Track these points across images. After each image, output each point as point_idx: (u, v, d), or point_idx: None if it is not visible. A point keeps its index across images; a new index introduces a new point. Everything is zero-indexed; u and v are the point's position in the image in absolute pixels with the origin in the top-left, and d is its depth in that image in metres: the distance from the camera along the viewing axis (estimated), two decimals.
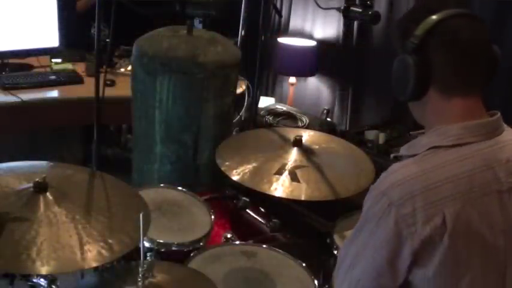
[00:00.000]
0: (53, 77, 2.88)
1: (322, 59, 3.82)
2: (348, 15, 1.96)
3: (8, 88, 2.67)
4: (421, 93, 1.16)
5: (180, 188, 1.96)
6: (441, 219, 1.08)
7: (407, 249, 1.09)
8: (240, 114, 3.05)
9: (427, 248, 1.09)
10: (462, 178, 1.11)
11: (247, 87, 3.03)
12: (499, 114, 1.19)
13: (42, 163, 1.70)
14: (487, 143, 1.15)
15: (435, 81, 1.15)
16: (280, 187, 1.79)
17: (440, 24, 1.13)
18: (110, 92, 2.17)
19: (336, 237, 1.75)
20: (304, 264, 1.62)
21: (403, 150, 1.23)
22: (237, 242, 1.76)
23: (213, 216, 1.81)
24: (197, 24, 3.28)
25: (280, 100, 4.04)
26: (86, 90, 2.70)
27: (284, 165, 1.87)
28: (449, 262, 1.09)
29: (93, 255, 1.31)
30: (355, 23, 3.65)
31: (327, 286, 1.64)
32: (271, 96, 4.11)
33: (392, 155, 1.27)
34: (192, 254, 1.63)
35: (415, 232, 1.08)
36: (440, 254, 1.09)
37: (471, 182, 1.11)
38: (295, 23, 4.04)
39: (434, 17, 1.13)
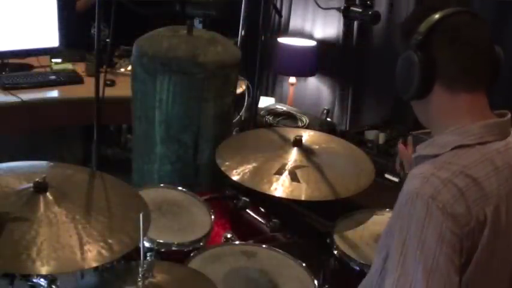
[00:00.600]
0: (53, 77, 2.88)
1: (322, 59, 3.82)
2: (348, 15, 1.96)
3: (8, 88, 2.67)
4: (427, 90, 1.16)
5: (180, 188, 1.96)
6: (483, 216, 1.09)
7: (465, 247, 1.08)
8: (240, 114, 3.05)
9: (473, 244, 1.09)
10: (493, 176, 1.12)
11: (247, 87, 3.03)
12: (510, 114, 1.20)
13: (42, 163, 1.71)
14: (502, 142, 1.17)
15: (440, 77, 1.15)
16: (280, 187, 1.79)
17: (442, 21, 1.14)
18: (110, 92, 2.17)
19: (336, 237, 1.75)
20: (304, 264, 1.62)
21: (421, 151, 1.21)
22: (237, 242, 1.76)
23: (213, 216, 1.81)
24: (197, 24, 3.28)
25: (280, 100, 4.04)
26: (86, 90, 2.70)
27: (284, 165, 1.87)
28: (487, 259, 1.10)
29: (93, 255, 1.31)
30: (355, 23, 3.65)
31: (327, 286, 1.64)
32: (271, 96, 4.11)
33: (413, 155, 1.25)
34: (192, 254, 1.63)
35: (470, 230, 1.08)
36: (481, 250, 1.09)
37: (498, 180, 1.13)
38: (295, 23, 4.04)
39: (436, 14, 1.15)
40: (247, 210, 2.04)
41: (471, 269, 1.09)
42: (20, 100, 2.59)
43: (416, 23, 1.16)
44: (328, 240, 1.76)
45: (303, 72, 3.90)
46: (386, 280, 1.11)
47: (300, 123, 3.18)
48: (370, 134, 3.09)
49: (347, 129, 3.74)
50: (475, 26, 1.17)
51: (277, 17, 3.80)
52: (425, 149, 1.20)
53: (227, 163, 1.93)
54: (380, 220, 1.82)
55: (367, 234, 1.78)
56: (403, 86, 1.20)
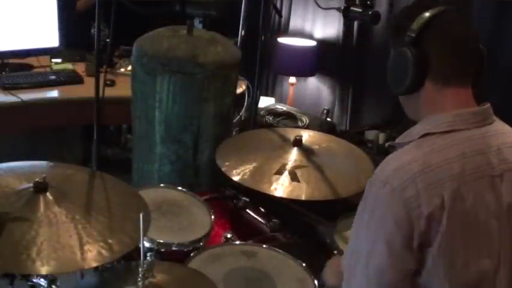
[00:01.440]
0: (53, 77, 2.88)
1: (322, 59, 3.82)
2: (348, 15, 1.96)
3: (8, 88, 2.67)
4: (419, 85, 1.20)
5: (180, 188, 1.96)
6: (440, 200, 1.12)
7: (417, 230, 1.12)
8: (240, 114, 3.05)
9: (431, 227, 1.12)
10: (456, 162, 1.15)
11: (247, 87, 3.03)
12: (488, 104, 1.23)
13: (42, 163, 1.70)
14: (479, 130, 1.20)
15: (431, 73, 1.19)
16: (280, 187, 1.79)
17: (434, 19, 1.19)
18: (110, 92, 2.17)
19: (336, 237, 1.75)
20: (304, 264, 1.62)
21: (398, 140, 1.27)
22: (237, 242, 1.76)
23: (213, 216, 1.81)
24: (197, 24, 3.28)
25: (280, 100, 4.04)
26: (86, 90, 2.70)
27: (284, 165, 1.87)
28: (448, 242, 1.12)
29: (93, 255, 1.31)
30: (355, 23, 3.65)
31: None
32: (271, 96, 4.11)
33: (387, 144, 1.30)
34: (192, 254, 1.63)
35: (421, 213, 1.11)
36: (441, 233, 1.12)
37: (464, 165, 1.15)
38: (295, 23, 4.04)
39: (428, 12, 1.19)
40: (247, 210, 2.04)
41: (434, 251, 1.12)
42: (20, 100, 2.59)
43: (408, 21, 1.20)
44: (328, 240, 1.76)
45: (303, 72, 3.90)
46: (345, 251, 1.22)
47: (300, 123, 3.18)
48: (370, 134, 3.09)
49: (347, 129, 3.75)
50: (464, 23, 1.22)
51: (277, 17, 3.80)
52: (403, 138, 1.26)
53: (227, 163, 1.93)
54: None
55: None
56: (396, 81, 1.24)
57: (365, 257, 1.17)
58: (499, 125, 1.25)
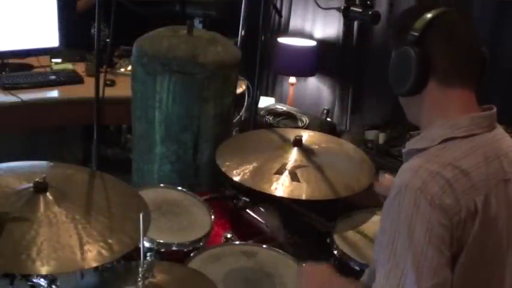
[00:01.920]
0: (53, 77, 2.88)
1: (322, 59, 3.82)
2: (348, 15, 1.96)
3: (8, 88, 2.67)
4: (422, 85, 1.19)
5: (180, 188, 1.96)
6: (473, 205, 1.11)
7: (455, 237, 1.10)
8: (240, 114, 3.05)
9: (464, 234, 1.11)
10: (481, 167, 1.15)
11: (247, 87, 3.03)
12: (495, 108, 1.23)
13: (42, 163, 1.70)
14: (490, 134, 1.20)
15: (435, 73, 1.18)
16: (280, 187, 1.79)
17: (437, 19, 1.18)
18: (110, 92, 2.17)
19: (336, 237, 1.75)
20: (304, 264, 1.62)
21: (412, 145, 1.23)
22: (237, 242, 1.76)
23: (213, 216, 1.81)
24: (197, 24, 3.28)
25: (280, 100, 4.04)
26: (86, 90, 2.70)
27: (284, 165, 1.87)
28: (475, 245, 1.12)
29: (93, 255, 1.31)
30: (355, 23, 3.65)
31: None
32: (271, 96, 4.11)
33: (404, 150, 1.26)
34: (192, 254, 1.63)
35: (460, 220, 1.10)
36: (470, 237, 1.11)
37: (487, 170, 1.15)
38: (295, 23, 4.04)
39: (431, 12, 1.19)
40: (247, 210, 2.04)
41: (463, 260, 1.11)
42: (20, 100, 2.59)
43: (410, 20, 1.20)
44: (328, 240, 1.76)
45: (303, 72, 3.90)
46: (377, 274, 1.12)
47: (300, 123, 3.18)
48: (370, 134, 3.09)
49: (347, 129, 3.75)
50: (467, 25, 1.22)
51: (277, 17, 3.80)
52: (416, 143, 1.23)
53: (227, 163, 1.93)
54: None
55: (367, 234, 1.78)
56: (399, 81, 1.22)
57: (404, 268, 1.08)
58: (500, 129, 1.24)
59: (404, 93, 1.22)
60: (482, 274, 1.15)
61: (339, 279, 1.39)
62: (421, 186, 1.10)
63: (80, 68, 3.03)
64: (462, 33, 1.19)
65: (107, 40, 2.26)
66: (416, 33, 1.17)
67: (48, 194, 1.43)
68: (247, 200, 2.04)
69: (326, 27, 3.86)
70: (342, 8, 1.96)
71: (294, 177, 1.82)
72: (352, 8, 1.95)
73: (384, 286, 1.09)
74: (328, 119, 3.61)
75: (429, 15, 1.18)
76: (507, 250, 1.17)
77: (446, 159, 1.13)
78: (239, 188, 1.98)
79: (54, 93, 2.79)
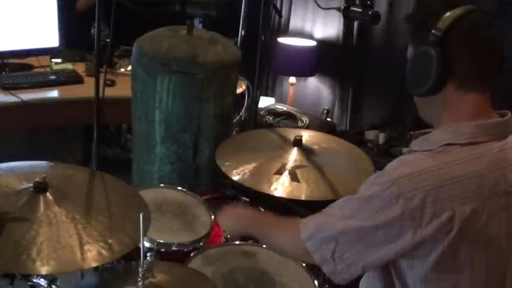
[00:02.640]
0: (53, 77, 2.88)
1: (322, 59, 3.82)
2: (348, 15, 1.96)
3: (8, 88, 2.67)
4: (440, 87, 1.15)
5: (180, 188, 1.96)
6: (449, 216, 1.09)
7: (408, 239, 1.11)
8: (240, 114, 3.05)
9: (428, 242, 1.10)
10: (474, 177, 1.12)
11: (247, 87, 3.03)
12: (510, 114, 1.20)
13: (42, 163, 1.70)
14: (498, 143, 1.16)
15: (454, 75, 1.15)
16: (280, 187, 1.79)
17: (462, 19, 1.13)
18: (110, 92, 2.17)
19: None
20: (304, 264, 1.62)
21: (416, 145, 1.22)
22: (237, 242, 1.76)
23: (213, 216, 1.81)
24: (197, 24, 3.28)
25: (280, 100, 4.04)
26: (86, 90, 2.70)
27: (284, 165, 1.87)
28: (449, 257, 1.11)
29: (93, 255, 1.31)
30: (355, 23, 3.65)
31: (326, 286, 1.64)
32: (271, 96, 4.11)
33: (404, 150, 1.26)
34: (192, 254, 1.63)
35: (419, 225, 1.10)
36: (442, 248, 1.10)
37: (482, 181, 1.12)
38: (295, 23, 4.04)
39: (456, 11, 1.13)
40: None
41: (435, 260, 1.11)
42: (20, 100, 2.59)
43: (430, 18, 1.15)
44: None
45: (303, 72, 3.90)
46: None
47: (300, 123, 3.18)
48: (370, 134, 3.09)
49: (347, 129, 3.75)
50: (490, 26, 1.16)
51: (277, 17, 3.80)
52: (419, 144, 1.21)
53: (227, 163, 1.93)
54: None
55: None
56: (417, 81, 1.18)
57: (349, 212, 1.20)
58: None
59: (421, 93, 1.19)
60: (459, 280, 1.14)
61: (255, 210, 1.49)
62: (396, 179, 1.12)
63: (80, 68, 3.03)
64: (487, 36, 1.15)
65: (107, 40, 2.26)
66: (439, 33, 1.13)
67: (48, 194, 1.43)
68: (247, 200, 2.03)
69: (326, 27, 3.86)
70: (342, 8, 1.97)
71: (293, 177, 1.82)
72: (352, 8, 1.95)
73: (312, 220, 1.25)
74: (328, 119, 3.61)
75: (455, 14, 1.13)
76: (506, 268, 1.15)
77: (436, 163, 1.12)
78: (239, 188, 1.97)
79: (54, 93, 2.79)
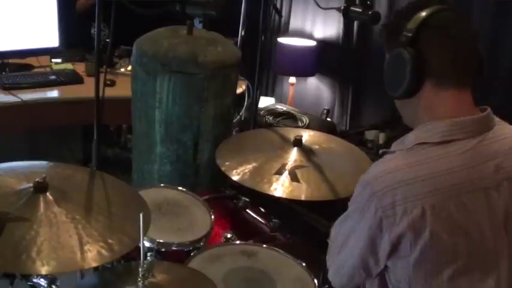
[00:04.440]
0: (53, 77, 2.88)
1: (322, 59, 3.82)
2: (347, 15, 1.96)
3: (8, 88, 2.68)
4: (417, 88, 1.17)
5: (180, 188, 1.95)
6: (420, 213, 1.10)
7: (386, 239, 1.13)
8: (240, 114, 3.05)
9: (406, 239, 1.11)
10: (444, 175, 1.12)
11: (247, 87, 3.03)
12: (489, 109, 1.20)
13: (42, 163, 1.70)
14: (476, 139, 1.16)
15: (430, 74, 1.16)
16: (280, 187, 1.79)
17: (431, 18, 1.15)
18: (110, 92, 2.17)
19: None
20: (304, 264, 1.62)
21: (394, 146, 1.24)
22: (237, 242, 1.76)
23: (213, 216, 1.81)
24: (197, 24, 3.28)
25: (280, 100, 4.04)
26: (86, 90, 2.70)
27: (284, 165, 1.87)
28: (432, 253, 1.11)
29: (93, 255, 1.31)
30: (355, 23, 3.65)
31: (326, 286, 1.64)
32: (271, 96, 4.11)
33: (380, 151, 1.28)
34: (192, 254, 1.63)
35: (393, 223, 1.11)
36: (422, 245, 1.10)
37: (452, 179, 1.12)
38: (295, 23, 4.04)
39: (424, 11, 1.15)
40: (247, 210, 2.04)
41: (412, 260, 1.12)
42: (20, 100, 2.59)
43: (403, 21, 1.17)
44: (328, 240, 1.76)
45: (303, 72, 3.90)
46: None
47: (300, 123, 3.18)
48: (370, 134, 3.09)
49: (347, 129, 3.75)
50: (463, 22, 1.18)
51: (277, 17, 3.79)
52: (396, 145, 1.23)
53: (227, 163, 1.93)
54: None
55: None
56: (394, 84, 1.20)
57: (339, 244, 1.25)
58: (499, 130, 1.20)
59: (399, 95, 1.20)
60: (446, 278, 1.13)
61: None
62: (369, 180, 1.16)
63: (80, 68, 3.03)
64: (458, 32, 1.16)
65: (107, 40, 2.26)
66: (410, 34, 1.14)
67: (48, 194, 1.43)
68: (247, 200, 2.03)
69: (326, 27, 3.86)
70: (342, 8, 1.97)
71: (293, 177, 1.82)
72: (352, 8, 1.95)
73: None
74: (328, 119, 3.61)
75: (423, 14, 1.14)
76: (496, 262, 1.14)
77: (405, 162, 1.14)
78: (239, 188, 1.97)
79: (54, 93, 2.79)
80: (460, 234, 1.12)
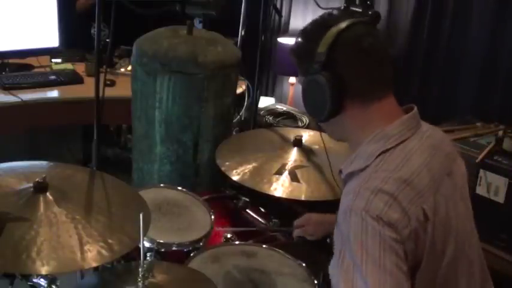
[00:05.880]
0: (53, 77, 2.88)
1: None
2: None
3: (8, 88, 2.68)
4: (340, 108, 1.16)
5: (180, 188, 1.96)
6: (422, 213, 1.09)
7: (409, 249, 1.08)
8: (240, 114, 3.05)
9: (419, 243, 1.09)
10: (422, 171, 1.12)
11: (247, 87, 3.03)
12: (415, 107, 1.21)
13: (42, 163, 1.70)
14: (418, 134, 1.18)
15: (350, 92, 1.15)
16: (280, 187, 1.79)
17: (340, 36, 1.13)
18: (110, 92, 2.17)
19: None
20: (304, 264, 1.62)
21: (350, 168, 1.19)
22: (237, 242, 1.76)
23: (213, 216, 1.81)
24: (197, 24, 3.28)
25: (280, 100, 4.04)
26: (86, 90, 2.70)
27: (284, 165, 1.88)
28: (433, 251, 1.11)
29: (93, 255, 1.31)
30: None
31: (326, 286, 1.64)
32: (271, 96, 4.11)
33: (343, 175, 1.23)
34: (192, 254, 1.63)
35: (410, 232, 1.07)
36: (427, 245, 1.10)
37: (430, 171, 1.13)
38: (295, 23, 4.04)
39: (332, 30, 1.13)
40: (247, 210, 2.04)
41: (427, 265, 1.10)
42: (20, 100, 2.59)
43: (312, 43, 1.15)
44: (328, 240, 1.76)
45: None
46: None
47: (300, 123, 3.18)
48: None
49: None
50: (372, 34, 1.17)
51: (277, 17, 3.79)
52: (351, 165, 1.19)
53: (227, 163, 1.93)
54: None
55: None
56: (316, 109, 1.19)
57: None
58: (426, 125, 1.23)
59: (324, 119, 1.19)
60: (447, 274, 1.14)
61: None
62: (365, 207, 1.06)
63: (80, 68, 3.04)
64: (370, 45, 1.14)
65: (107, 40, 2.26)
66: (321, 59, 1.12)
67: (48, 194, 1.43)
68: (247, 200, 2.03)
69: None
70: (342, 8, 1.96)
71: (293, 177, 1.82)
72: (352, 8, 1.95)
73: None
74: None
75: (332, 33, 1.12)
76: (464, 246, 1.17)
77: (385, 174, 1.10)
78: (239, 188, 1.97)
79: (54, 93, 2.79)
80: (449, 225, 1.14)
